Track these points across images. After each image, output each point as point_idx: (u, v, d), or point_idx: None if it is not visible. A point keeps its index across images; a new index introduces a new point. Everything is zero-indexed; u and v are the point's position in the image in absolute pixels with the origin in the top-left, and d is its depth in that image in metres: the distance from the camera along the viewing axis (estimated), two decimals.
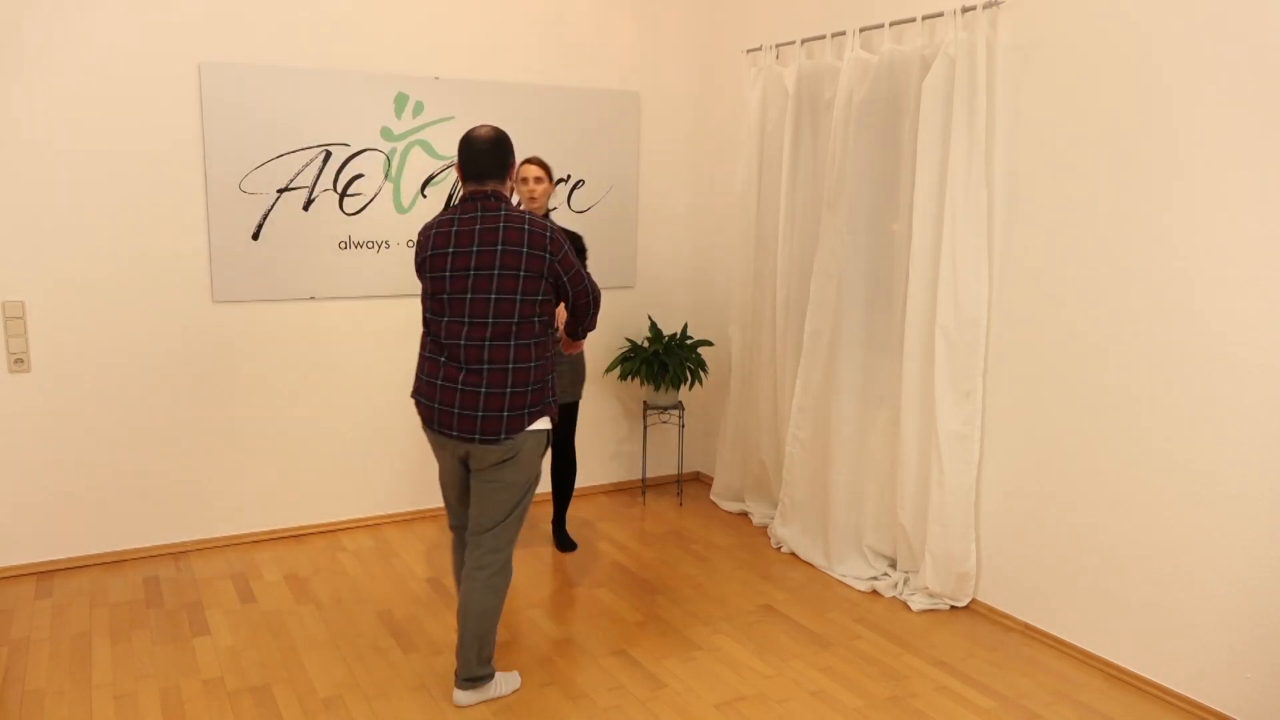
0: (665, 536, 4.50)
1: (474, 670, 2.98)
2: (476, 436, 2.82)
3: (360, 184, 4.30)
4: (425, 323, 2.94)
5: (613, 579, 4.01)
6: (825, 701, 3.07)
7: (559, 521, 4.37)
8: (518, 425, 2.84)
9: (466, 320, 2.82)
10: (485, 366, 2.81)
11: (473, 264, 2.81)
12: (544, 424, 2.92)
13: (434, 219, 2.95)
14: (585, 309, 3.02)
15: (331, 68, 4.19)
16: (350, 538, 4.40)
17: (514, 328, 2.82)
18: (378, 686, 3.12)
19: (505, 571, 2.95)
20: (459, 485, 3.04)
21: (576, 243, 4.05)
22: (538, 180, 3.83)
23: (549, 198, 3.98)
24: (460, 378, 2.82)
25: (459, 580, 3.13)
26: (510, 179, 2.95)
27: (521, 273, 2.80)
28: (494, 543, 2.92)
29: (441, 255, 2.85)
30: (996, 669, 3.30)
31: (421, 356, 2.96)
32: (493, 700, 3.04)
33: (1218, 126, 2.86)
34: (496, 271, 2.79)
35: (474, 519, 2.95)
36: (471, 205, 2.87)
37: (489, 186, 2.88)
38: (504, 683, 3.07)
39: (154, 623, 3.54)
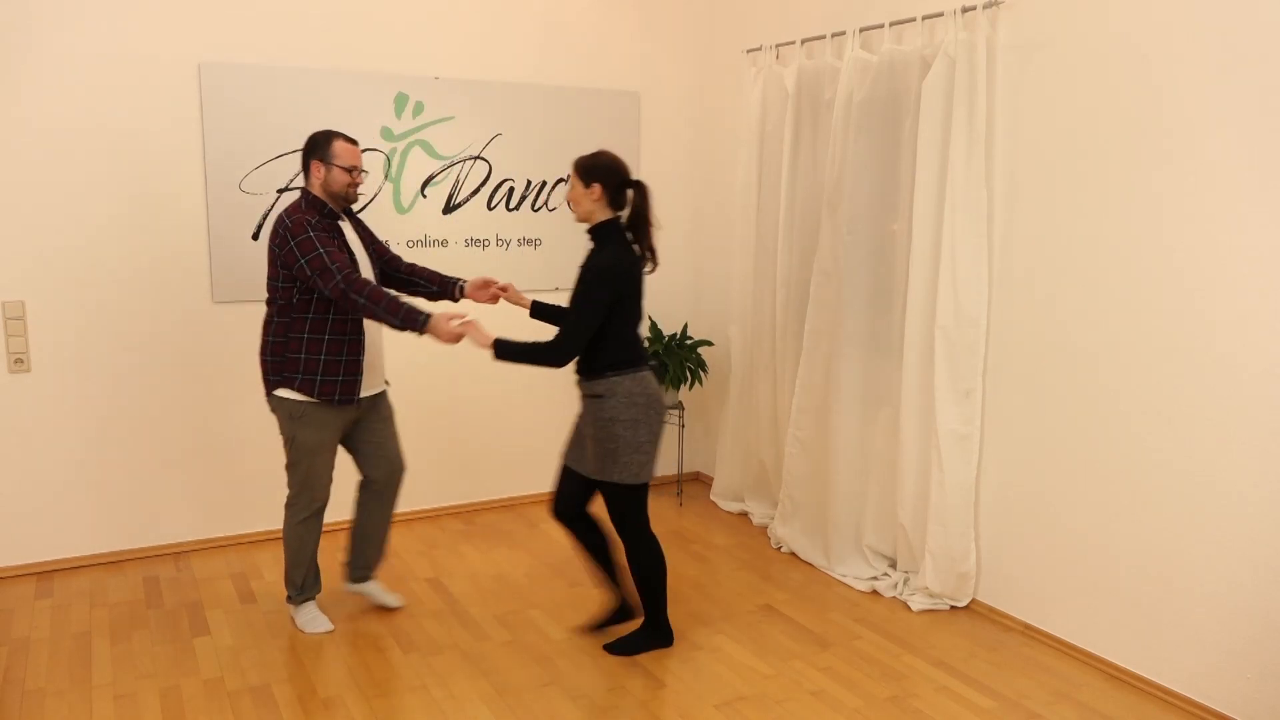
0: (665, 536, 4.50)
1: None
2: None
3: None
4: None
5: None
6: (825, 701, 3.07)
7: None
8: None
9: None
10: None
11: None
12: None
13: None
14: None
15: (331, 68, 4.19)
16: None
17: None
18: (378, 686, 3.12)
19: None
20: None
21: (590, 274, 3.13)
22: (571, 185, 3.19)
23: (590, 202, 3.12)
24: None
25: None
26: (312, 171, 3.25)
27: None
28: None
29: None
30: (996, 669, 3.30)
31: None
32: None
33: (1218, 126, 2.86)
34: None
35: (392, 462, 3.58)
36: None
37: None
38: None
39: (154, 623, 3.54)
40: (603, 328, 3.08)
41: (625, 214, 3.16)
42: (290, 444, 3.34)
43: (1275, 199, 2.74)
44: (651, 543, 3.26)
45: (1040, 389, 3.44)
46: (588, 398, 3.16)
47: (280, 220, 3.19)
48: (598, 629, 3.51)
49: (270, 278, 3.25)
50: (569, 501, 3.33)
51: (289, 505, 3.43)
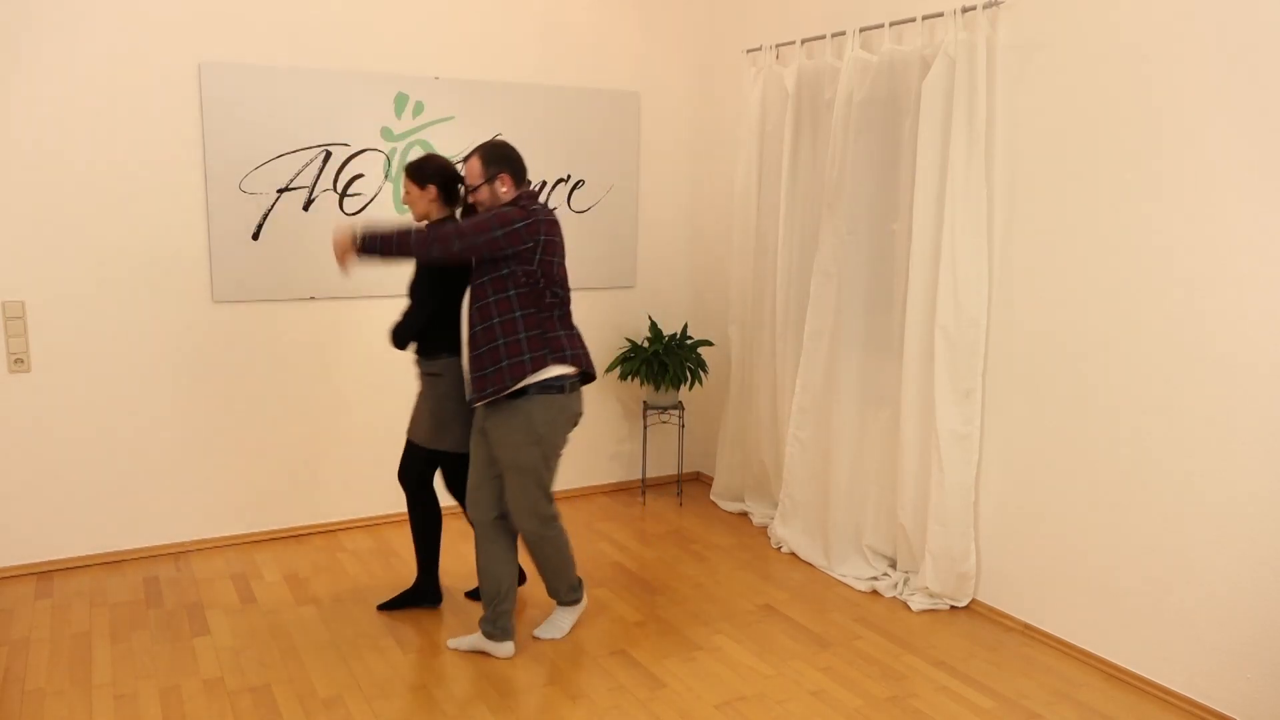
0: (665, 536, 4.50)
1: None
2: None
3: (360, 184, 4.30)
4: (560, 299, 3.21)
5: (613, 579, 4.01)
6: (825, 701, 3.07)
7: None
8: None
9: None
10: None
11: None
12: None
13: (540, 206, 3.18)
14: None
15: (331, 68, 4.19)
16: (350, 538, 4.40)
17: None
18: (378, 686, 3.12)
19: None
20: None
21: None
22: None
23: (426, 203, 3.39)
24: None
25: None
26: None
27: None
28: None
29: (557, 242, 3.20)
30: (996, 669, 3.30)
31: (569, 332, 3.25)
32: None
33: (1218, 126, 2.86)
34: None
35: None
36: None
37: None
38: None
39: (154, 623, 3.54)
40: (443, 316, 3.35)
41: (459, 211, 3.44)
42: None
43: (1275, 198, 2.74)
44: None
45: (1040, 389, 3.44)
46: (425, 375, 3.48)
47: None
48: (389, 607, 3.68)
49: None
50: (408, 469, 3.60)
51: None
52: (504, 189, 3.19)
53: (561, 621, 3.50)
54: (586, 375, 3.26)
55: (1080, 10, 3.20)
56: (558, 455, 3.27)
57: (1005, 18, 3.44)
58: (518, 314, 3.10)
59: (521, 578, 3.75)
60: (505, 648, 3.30)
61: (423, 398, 3.51)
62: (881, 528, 4.06)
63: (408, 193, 3.40)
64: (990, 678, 3.24)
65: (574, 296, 4.76)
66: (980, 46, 3.45)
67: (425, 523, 3.61)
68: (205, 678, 3.15)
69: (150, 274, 3.99)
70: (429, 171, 3.37)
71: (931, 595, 3.77)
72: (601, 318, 4.99)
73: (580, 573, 4.05)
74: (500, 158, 3.20)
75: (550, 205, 4.75)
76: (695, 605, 3.76)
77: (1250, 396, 2.84)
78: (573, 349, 3.19)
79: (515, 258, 3.06)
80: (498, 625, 3.30)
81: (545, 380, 3.12)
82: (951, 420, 3.63)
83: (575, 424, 3.28)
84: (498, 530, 3.30)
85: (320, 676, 3.17)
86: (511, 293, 3.09)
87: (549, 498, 3.27)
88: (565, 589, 3.47)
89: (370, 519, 4.56)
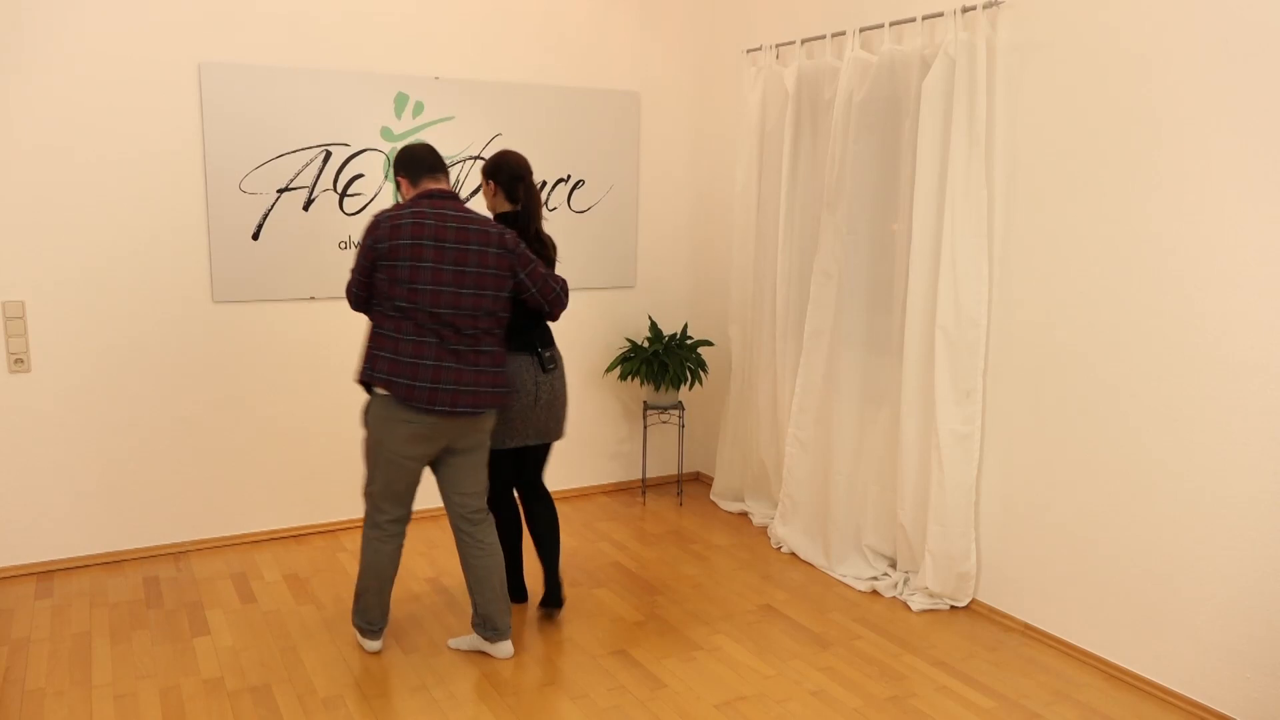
0: (665, 536, 4.50)
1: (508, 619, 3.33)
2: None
3: (360, 184, 4.30)
4: (402, 311, 3.08)
5: (613, 579, 4.01)
6: (825, 701, 3.07)
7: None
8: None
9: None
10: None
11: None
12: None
13: (405, 209, 3.06)
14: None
15: (331, 68, 4.19)
16: (350, 538, 4.40)
17: None
18: (378, 686, 3.12)
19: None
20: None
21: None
22: None
23: (491, 198, 3.49)
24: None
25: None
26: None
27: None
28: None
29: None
30: (996, 669, 3.30)
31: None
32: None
33: (1218, 126, 2.86)
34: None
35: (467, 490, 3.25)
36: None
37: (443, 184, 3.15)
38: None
39: (154, 623, 3.54)
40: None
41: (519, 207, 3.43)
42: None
43: (1275, 198, 2.74)
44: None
45: (1040, 389, 3.44)
46: (552, 369, 3.44)
47: (500, 236, 3.08)
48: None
49: (497, 293, 3.06)
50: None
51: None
52: (405, 193, 3.15)
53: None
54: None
55: (1080, 10, 3.20)
56: (399, 464, 3.08)
57: (1005, 18, 3.44)
58: (374, 318, 3.08)
59: (521, 594, 3.73)
60: (503, 648, 3.30)
61: None
62: (881, 528, 4.06)
63: (484, 190, 3.49)
64: (990, 678, 3.24)
65: (574, 296, 4.81)
66: (980, 46, 3.45)
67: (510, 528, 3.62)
68: (205, 678, 3.15)
69: (150, 274, 4.00)
70: (484, 169, 3.47)
71: (931, 595, 3.77)
72: (601, 318, 4.99)
73: (581, 572, 4.05)
74: (398, 161, 3.16)
75: (552, 206, 4.75)
76: (695, 605, 3.76)
77: (1250, 396, 2.84)
78: (390, 373, 2.97)
79: (374, 267, 3.00)
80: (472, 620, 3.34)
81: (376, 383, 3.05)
82: (951, 420, 3.63)
83: (423, 439, 3.05)
84: (456, 529, 3.29)
85: (320, 676, 3.17)
86: (371, 298, 3.08)
87: (381, 496, 3.15)
88: (354, 611, 3.32)
89: None
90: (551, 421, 3.47)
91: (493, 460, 3.44)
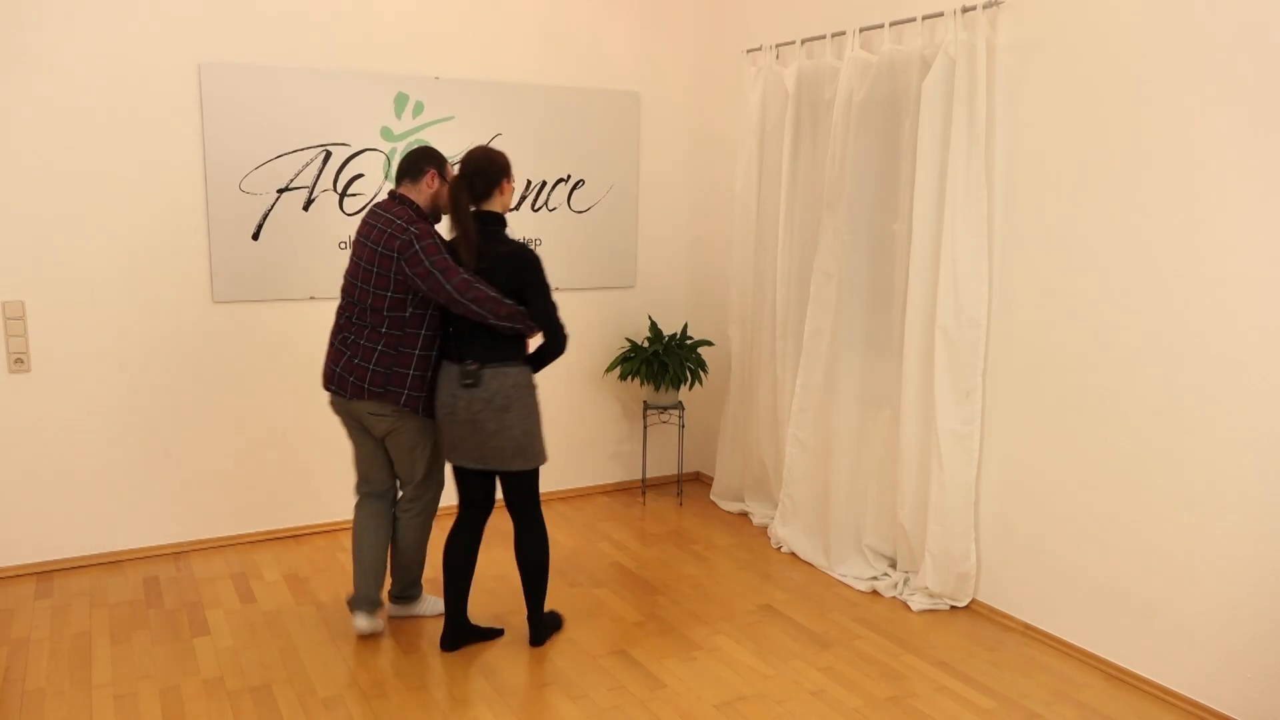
0: (665, 536, 4.50)
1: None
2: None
3: (360, 184, 4.30)
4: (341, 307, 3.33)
5: (613, 579, 4.01)
6: (825, 701, 3.07)
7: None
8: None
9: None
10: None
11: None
12: None
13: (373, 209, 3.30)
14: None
15: (331, 68, 4.19)
16: (350, 538, 4.40)
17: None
18: (378, 686, 3.12)
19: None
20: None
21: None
22: None
23: (510, 194, 3.33)
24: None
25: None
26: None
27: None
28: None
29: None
30: (996, 669, 3.30)
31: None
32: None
33: (1217, 126, 2.86)
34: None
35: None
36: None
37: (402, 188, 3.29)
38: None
39: (154, 623, 3.54)
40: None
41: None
42: (425, 449, 3.36)
43: (1276, 198, 2.74)
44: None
45: (1040, 389, 3.44)
46: (470, 384, 3.12)
47: (390, 237, 3.11)
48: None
49: (379, 289, 3.14)
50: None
51: (426, 505, 3.49)
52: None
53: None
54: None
55: (1080, 10, 3.20)
56: (348, 433, 3.42)
57: (1005, 18, 3.44)
58: None
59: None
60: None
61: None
62: (881, 528, 4.06)
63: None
64: (990, 678, 3.24)
65: (574, 296, 4.82)
66: (980, 46, 3.45)
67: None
68: (205, 678, 3.15)
69: (150, 274, 3.99)
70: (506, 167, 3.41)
71: (931, 595, 3.77)
72: (601, 318, 4.99)
73: (581, 572, 4.06)
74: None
75: (552, 207, 4.75)
76: (695, 605, 3.76)
77: (1250, 396, 2.84)
78: (326, 363, 3.33)
79: None
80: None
81: None
82: (951, 420, 3.63)
83: (339, 411, 3.36)
84: (397, 507, 3.52)
85: (320, 676, 3.17)
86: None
87: (355, 464, 3.48)
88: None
89: None
90: (485, 448, 3.13)
91: (455, 471, 3.32)
